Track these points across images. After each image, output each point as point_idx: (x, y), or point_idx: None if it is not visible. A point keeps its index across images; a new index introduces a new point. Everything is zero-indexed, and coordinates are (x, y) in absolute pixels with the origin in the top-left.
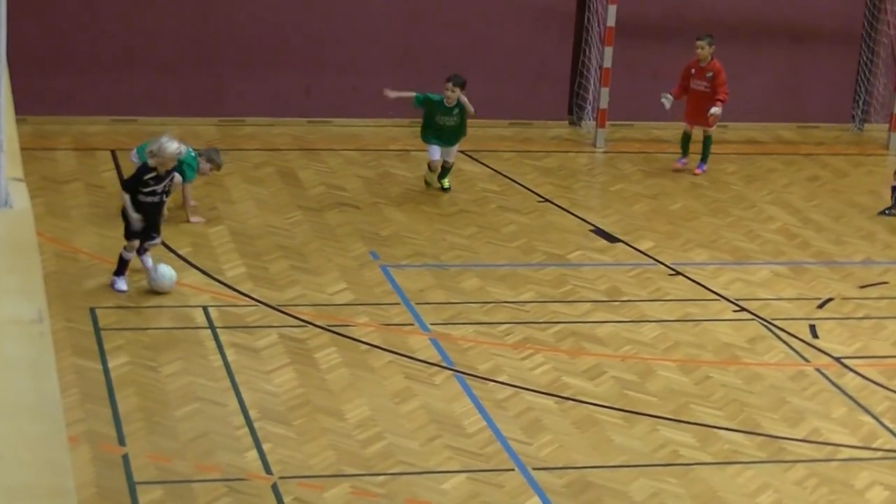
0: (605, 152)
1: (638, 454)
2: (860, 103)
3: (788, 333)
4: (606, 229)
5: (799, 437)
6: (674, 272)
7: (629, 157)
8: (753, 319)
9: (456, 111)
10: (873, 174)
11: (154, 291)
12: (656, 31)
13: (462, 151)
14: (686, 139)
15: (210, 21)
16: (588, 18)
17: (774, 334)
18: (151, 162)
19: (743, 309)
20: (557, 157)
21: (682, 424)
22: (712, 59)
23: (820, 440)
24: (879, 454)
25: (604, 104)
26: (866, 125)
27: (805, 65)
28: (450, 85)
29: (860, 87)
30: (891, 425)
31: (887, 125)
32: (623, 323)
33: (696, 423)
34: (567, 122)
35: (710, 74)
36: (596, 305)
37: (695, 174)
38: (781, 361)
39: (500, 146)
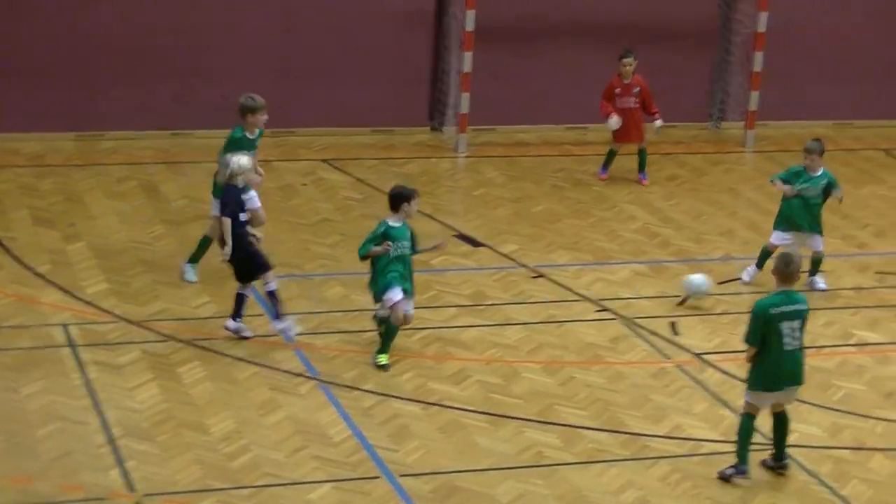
0: (467, 157)
1: (504, 457)
2: (717, 102)
3: (650, 332)
4: (470, 234)
5: (661, 434)
6: (537, 275)
7: (491, 161)
8: (615, 319)
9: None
10: (731, 172)
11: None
12: (517, 35)
13: (325, 160)
14: (612, 155)
15: (72, 31)
16: (447, 23)
17: (636, 333)
18: (239, 181)
19: (605, 309)
20: (419, 164)
21: (548, 426)
22: (634, 74)
23: (682, 436)
24: None
25: (465, 109)
26: (723, 123)
27: (663, 65)
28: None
29: (716, 86)
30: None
31: (743, 123)
32: (488, 326)
33: (561, 423)
34: (429, 127)
35: (638, 90)
36: (461, 310)
37: (644, 185)
38: (643, 359)
39: (362, 154)
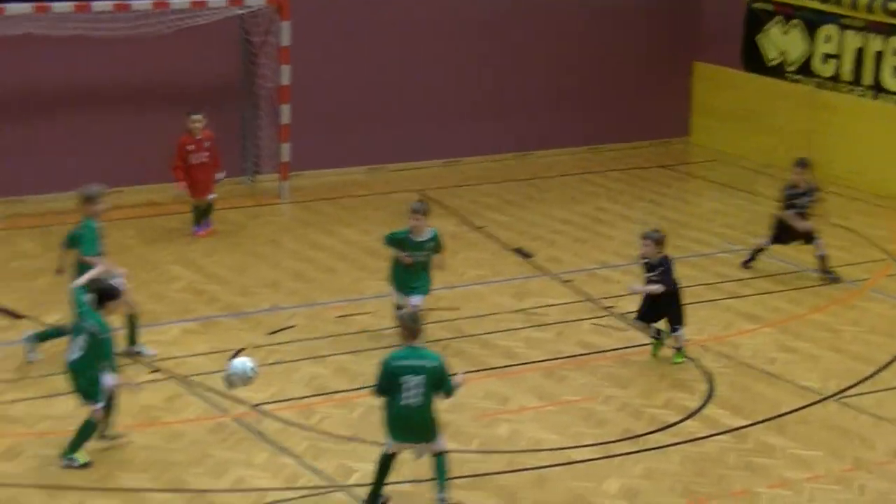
0: None
1: None
2: (250, 156)
3: (205, 387)
4: (9, 306)
5: (224, 488)
6: None
7: (24, 232)
8: (169, 378)
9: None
10: (270, 224)
11: None
12: (22, 104)
13: None
14: (198, 210)
15: None
16: None
17: (191, 390)
18: None
19: (158, 370)
20: None
21: (109, 492)
22: (204, 129)
23: (245, 488)
24: (303, 492)
25: None
26: (258, 176)
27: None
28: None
29: (248, 140)
30: (312, 462)
31: (278, 174)
32: (36, 399)
33: (123, 488)
34: None
35: (209, 144)
36: (6, 385)
37: (201, 235)
38: (200, 416)
39: None
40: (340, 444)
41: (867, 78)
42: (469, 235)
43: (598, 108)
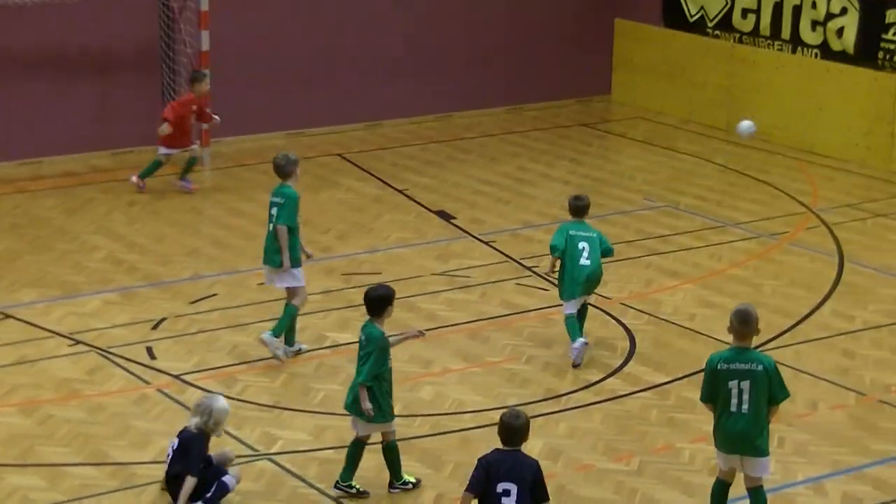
0: None
1: None
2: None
3: (126, 359)
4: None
5: (148, 460)
6: (3, 316)
7: None
8: (90, 350)
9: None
10: (190, 192)
11: None
12: None
13: None
14: (158, 165)
15: None
16: None
17: (113, 362)
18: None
19: (79, 342)
20: None
21: (29, 468)
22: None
23: (164, 460)
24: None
25: None
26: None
27: (111, 92)
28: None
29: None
30: (235, 431)
31: (198, 142)
32: None
33: (43, 464)
34: None
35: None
36: None
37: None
38: (123, 388)
39: None
40: (263, 412)
41: (786, 32)
42: (392, 198)
43: (518, 67)
